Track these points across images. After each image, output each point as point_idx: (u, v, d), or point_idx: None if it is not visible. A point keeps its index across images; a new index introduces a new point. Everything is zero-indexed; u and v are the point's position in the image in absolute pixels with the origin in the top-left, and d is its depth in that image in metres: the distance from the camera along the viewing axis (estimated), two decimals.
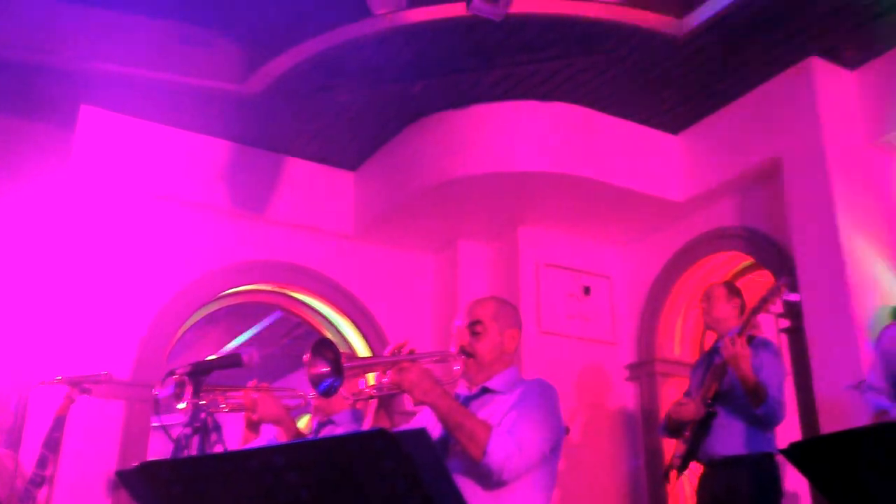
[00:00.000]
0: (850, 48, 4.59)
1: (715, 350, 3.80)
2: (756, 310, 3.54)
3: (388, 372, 2.29)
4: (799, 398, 4.49)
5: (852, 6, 4.24)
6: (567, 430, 3.84)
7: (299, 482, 1.68)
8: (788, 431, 4.78)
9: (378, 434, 1.59)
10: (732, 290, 3.89)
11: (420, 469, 1.56)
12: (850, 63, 4.69)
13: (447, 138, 5.27)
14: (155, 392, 2.54)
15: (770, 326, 4.93)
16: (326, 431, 3.01)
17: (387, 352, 2.34)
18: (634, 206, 5.42)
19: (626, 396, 5.63)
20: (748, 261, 5.25)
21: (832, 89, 4.64)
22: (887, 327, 3.27)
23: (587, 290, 5.75)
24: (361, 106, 5.29)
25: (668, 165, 5.41)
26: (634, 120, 5.35)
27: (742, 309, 3.83)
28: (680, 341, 5.64)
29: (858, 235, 4.35)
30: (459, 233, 5.85)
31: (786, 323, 4.65)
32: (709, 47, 4.65)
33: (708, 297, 3.87)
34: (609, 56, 4.79)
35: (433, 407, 2.24)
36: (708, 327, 3.94)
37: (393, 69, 4.94)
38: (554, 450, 2.39)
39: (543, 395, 2.41)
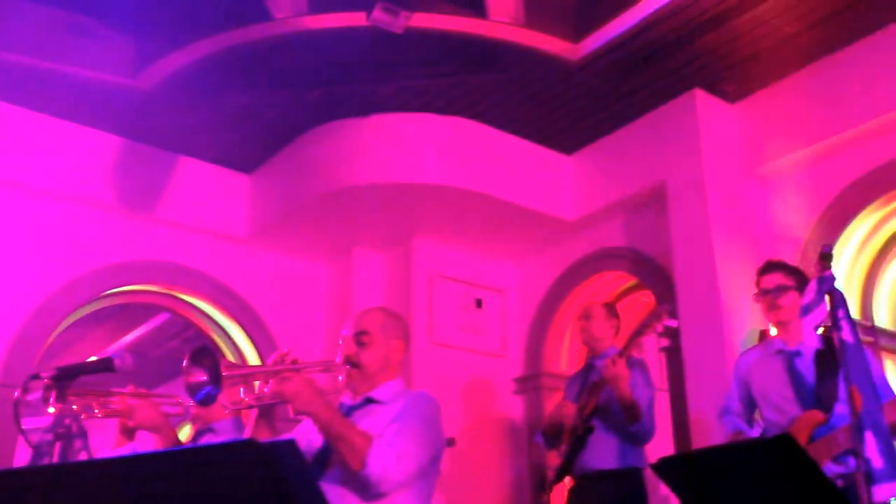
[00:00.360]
0: (731, 83, 4.84)
1: (591, 367, 3.93)
2: (637, 333, 3.67)
3: (269, 381, 2.26)
4: (674, 415, 4.68)
5: (733, 44, 4.49)
6: (453, 442, 3.89)
7: (166, 492, 1.65)
8: (663, 447, 4.99)
9: (247, 444, 1.58)
10: (612, 310, 4.04)
11: (289, 479, 1.56)
12: (731, 97, 4.95)
13: (345, 146, 5.26)
14: (15, 395, 2.42)
15: (651, 345, 5.12)
16: (205, 440, 2.94)
17: (269, 361, 2.32)
18: (527, 222, 5.55)
19: (514, 409, 5.74)
20: (633, 281, 5.45)
21: (713, 121, 4.88)
22: (743, 354, 3.45)
23: (479, 303, 5.84)
24: (259, 109, 5.22)
25: (560, 184, 5.56)
26: (530, 138, 5.48)
27: (618, 329, 3.99)
28: (567, 356, 5.79)
29: (733, 261, 4.58)
30: (354, 241, 5.84)
31: (665, 342, 4.85)
32: (602, 73, 4.82)
33: (587, 316, 4.00)
34: (506, 75, 4.90)
35: (314, 417, 2.23)
36: (585, 344, 4.07)
37: (292, 74, 4.91)
38: (433, 462, 2.42)
39: (425, 409, 2.43)
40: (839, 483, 2.82)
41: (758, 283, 3.21)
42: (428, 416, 2.41)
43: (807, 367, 3.05)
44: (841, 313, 2.75)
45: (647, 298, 5.26)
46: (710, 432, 4.18)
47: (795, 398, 2.96)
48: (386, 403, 2.42)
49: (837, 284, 2.94)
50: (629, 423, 3.59)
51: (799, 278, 3.15)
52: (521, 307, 5.98)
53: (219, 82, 4.93)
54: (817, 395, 2.98)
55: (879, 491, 2.43)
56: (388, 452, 2.22)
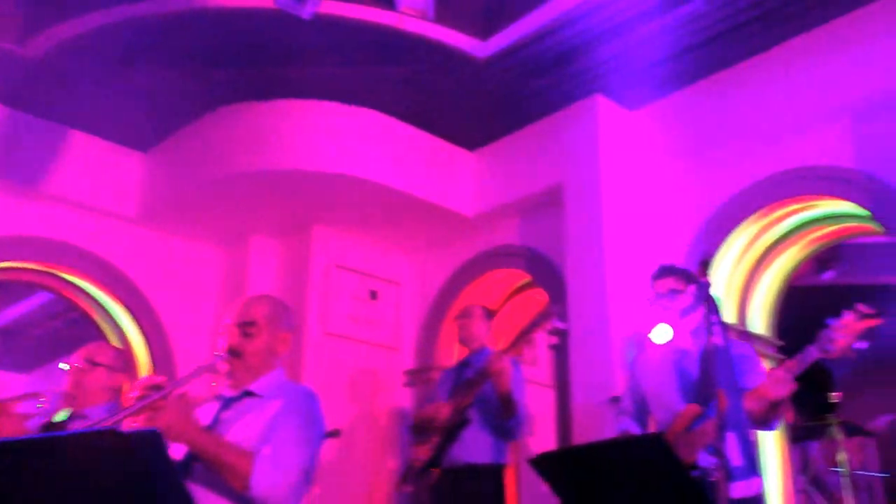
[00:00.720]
0: (631, 90, 4.97)
1: (465, 364, 4.01)
2: (526, 332, 3.76)
3: (140, 416, 2.17)
4: (558, 412, 4.80)
5: (635, 52, 4.61)
6: (338, 433, 3.88)
7: (27, 481, 1.59)
8: (546, 443, 5.12)
9: (108, 433, 1.53)
10: (488, 312, 4.19)
11: (150, 471, 1.53)
12: (631, 104, 5.09)
13: (246, 130, 5.15)
14: None
15: (540, 341, 5.23)
16: (75, 426, 2.84)
17: (134, 395, 2.19)
18: (426, 216, 5.57)
19: (404, 401, 5.76)
20: (527, 279, 5.54)
21: (613, 127, 5.01)
22: (636, 354, 3.57)
23: (374, 295, 5.83)
24: (158, 86, 5.04)
25: (461, 180, 5.60)
26: (433, 133, 5.50)
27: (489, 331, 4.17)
28: (459, 350, 5.85)
29: (623, 265, 4.72)
30: (252, 228, 5.74)
31: (553, 339, 4.96)
32: (507, 72, 4.86)
33: (467, 315, 4.14)
34: (413, 68, 4.90)
35: (189, 445, 2.18)
36: (461, 342, 4.17)
37: (195, 53, 4.76)
38: (315, 459, 2.40)
39: (305, 408, 2.38)
40: (717, 475, 2.95)
41: (652, 288, 3.31)
42: (308, 416, 2.38)
43: (692, 366, 3.17)
44: (714, 318, 2.88)
45: (540, 297, 5.37)
46: (593, 429, 4.30)
47: (681, 396, 3.06)
48: (265, 398, 2.37)
49: (714, 291, 3.08)
50: (506, 416, 3.70)
51: (691, 282, 3.26)
52: (417, 300, 6.01)
53: (114, 56, 4.73)
54: (698, 391, 3.10)
55: (736, 488, 2.57)
56: (272, 468, 2.17)
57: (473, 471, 3.73)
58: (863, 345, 2.68)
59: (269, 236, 5.81)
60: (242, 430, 2.27)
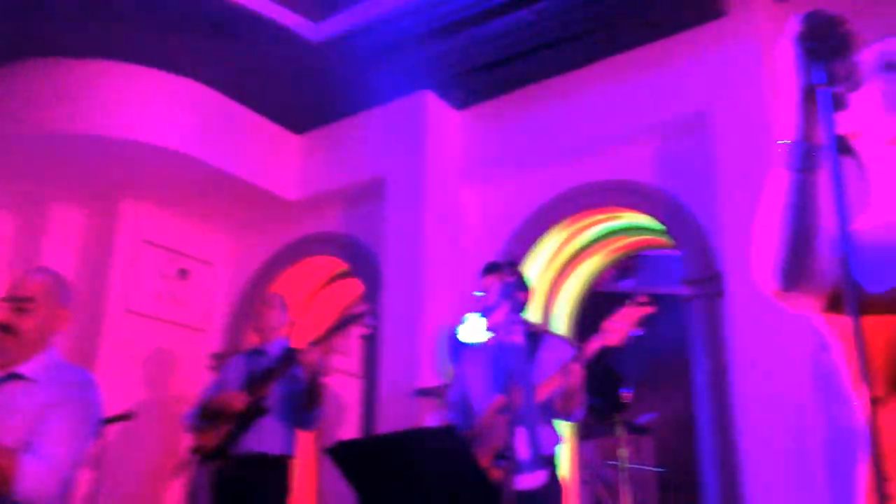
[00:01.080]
0: (461, 90, 5.07)
1: (260, 352, 3.95)
2: (338, 328, 3.74)
3: None
4: (364, 402, 4.81)
5: (467, 52, 4.69)
6: (131, 415, 3.68)
7: None
8: (350, 433, 5.13)
9: None
10: (286, 304, 4.13)
11: None
12: (459, 103, 5.18)
13: (52, 88, 4.78)
14: None
15: (353, 331, 5.21)
16: None
17: None
18: (246, 196, 5.41)
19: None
20: (345, 268, 5.52)
21: (439, 124, 5.09)
22: (462, 349, 3.63)
23: (184, 273, 5.59)
24: None
25: (285, 163, 5.49)
26: (260, 112, 5.35)
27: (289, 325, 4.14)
28: (251, 337, 5.71)
29: (440, 260, 4.81)
30: (51, 195, 5.32)
31: (365, 330, 4.96)
32: (339, 58, 4.81)
33: (267, 303, 4.08)
34: (244, 44, 4.74)
35: None
36: (257, 330, 4.09)
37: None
38: (87, 446, 2.26)
39: (79, 398, 2.24)
40: (503, 468, 3.06)
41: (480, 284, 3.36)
42: (83, 406, 2.23)
43: (508, 359, 3.25)
44: (515, 318, 3.00)
45: (356, 287, 5.36)
46: (398, 421, 4.35)
47: (495, 388, 3.15)
48: (35, 381, 2.21)
49: (519, 291, 3.20)
50: (310, 407, 3.67)
51: (521, 276, 3.33)
52: (230, 282, 5.83)
53: None
54: (509, 383, 3.19)
55: (522, 480, 2.69)
56: (39, 467, 2.03)
57: (263, 461, 3.67)
58: (639, 332, 2.88)
59: (71, 205, 5.41)
60: (6, 420, 2.10)
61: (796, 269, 1.11)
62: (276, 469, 3.70)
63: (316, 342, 3.68)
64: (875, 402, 0.89)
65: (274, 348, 3.94)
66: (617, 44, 4.58)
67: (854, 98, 1.12)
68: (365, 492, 2.74)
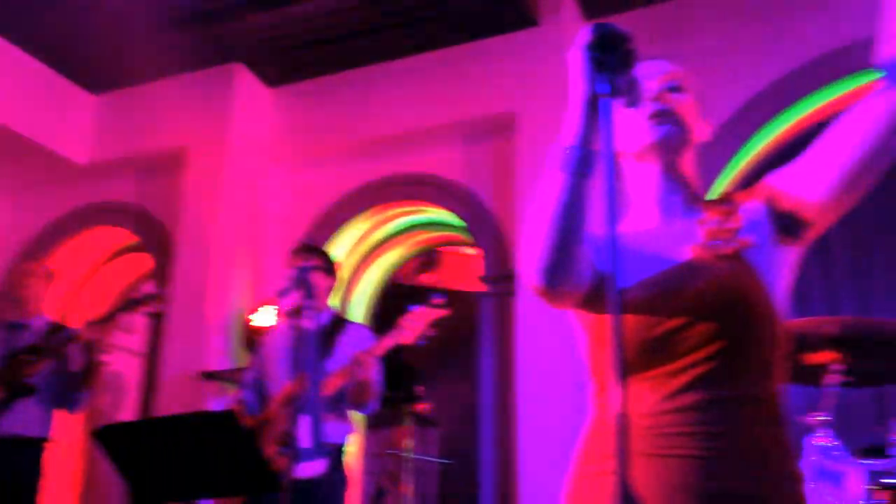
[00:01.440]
0: (274, 67, 4.92)
1: (21, 326, 3.63)
2: (118, 311, 3.49)
3: None
4: (145, 382, 4.56)
5: (285, 30, 4.56)
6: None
7: None
8: (129, 414, 4.84)
9: None
10: (52, 275, 3.82)
11: None
12: (272, 81, 5.02)
13: None
14: None
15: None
16: None
17: None
18: (28, 154, 4.96)
19: None
20: (135, 241, 5.19)
21: (248, 99, 4.91)
22: (268, 329, 3.50)
23: None
24: None
25: (77, 123, 5.09)
26: (53, 66, 4.92)
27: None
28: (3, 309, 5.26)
29: (236, 241, 4.64)
30: None
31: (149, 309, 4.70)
32: (147, 18, 4.48)
33: (34, 274, 3.74)
34: None
35: None
36: (11, 299, 3.71)
37: None
38: None
39: None
40: (283, 455, 2.99)
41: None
42: None
43: (309, 343, 3.17)
44: (306, 303, 2.94)
45: (145, 262, 5.06)
46: (181, 402, 4.16)
47: (291, 371, 3.07)
48: None
49: (319, 277, 3.14)
50: (79, 388, 3.43)
51: (326, 261, 3.25)
52: (5, 246, 5.30)
53: None
54: (297, 371, 3.13)
55: (303, 468, 2.64)
56: None
57: (17, 443, 3.37)
58: (432, 332, 2.93)
59: None
60: None
61: (559, 268, 1.16)
62: (30, 451, 3.40)
63: (97, 322, 3.41)
64: (614, 387, 0.96)
65: (37, 322, 3.60)
66: (435, 39, 4.64)
67: (619, 114, 1.19)
68: (134, 478, 2.58)
